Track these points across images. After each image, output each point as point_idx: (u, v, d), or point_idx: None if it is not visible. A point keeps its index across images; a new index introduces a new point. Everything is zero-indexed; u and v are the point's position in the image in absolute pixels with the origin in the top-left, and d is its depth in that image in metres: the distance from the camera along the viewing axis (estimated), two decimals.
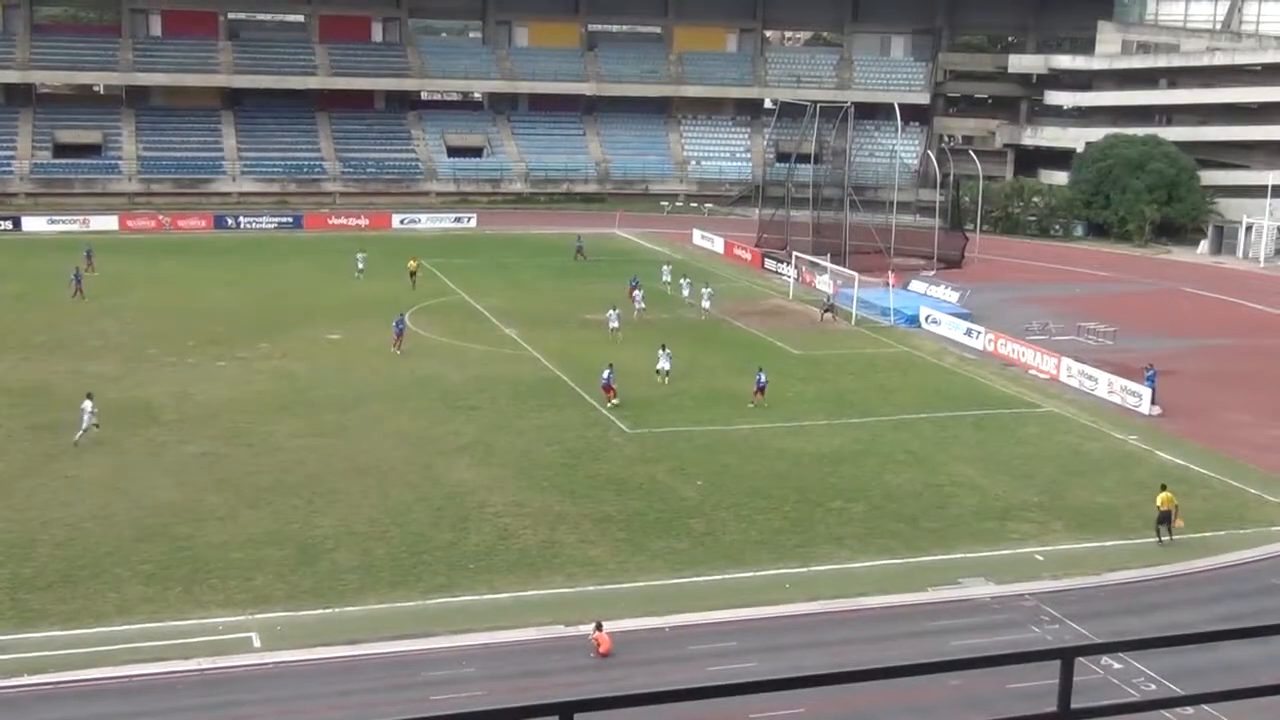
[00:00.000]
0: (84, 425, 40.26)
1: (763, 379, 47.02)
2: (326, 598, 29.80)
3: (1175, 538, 34.31)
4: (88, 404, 40.82)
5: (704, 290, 63.62)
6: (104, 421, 42.90)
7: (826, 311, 64.04)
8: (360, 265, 70.59)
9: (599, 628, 27.47)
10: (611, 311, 56.90)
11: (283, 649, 27.36)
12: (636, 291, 62.77)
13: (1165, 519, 34.17)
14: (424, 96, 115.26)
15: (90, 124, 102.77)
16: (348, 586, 30.43)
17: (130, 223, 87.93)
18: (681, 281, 66.08)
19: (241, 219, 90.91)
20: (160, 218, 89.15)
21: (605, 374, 46.75)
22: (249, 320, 59.47)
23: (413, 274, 67.31)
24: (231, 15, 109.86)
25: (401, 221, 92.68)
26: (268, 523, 34.20)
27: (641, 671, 26.42)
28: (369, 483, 37.56)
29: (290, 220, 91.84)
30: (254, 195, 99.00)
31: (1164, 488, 34.93)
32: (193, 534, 33.22)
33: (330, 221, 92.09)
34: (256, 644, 27.55)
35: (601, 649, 27.12)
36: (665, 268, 70.10)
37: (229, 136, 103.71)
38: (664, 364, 49.47)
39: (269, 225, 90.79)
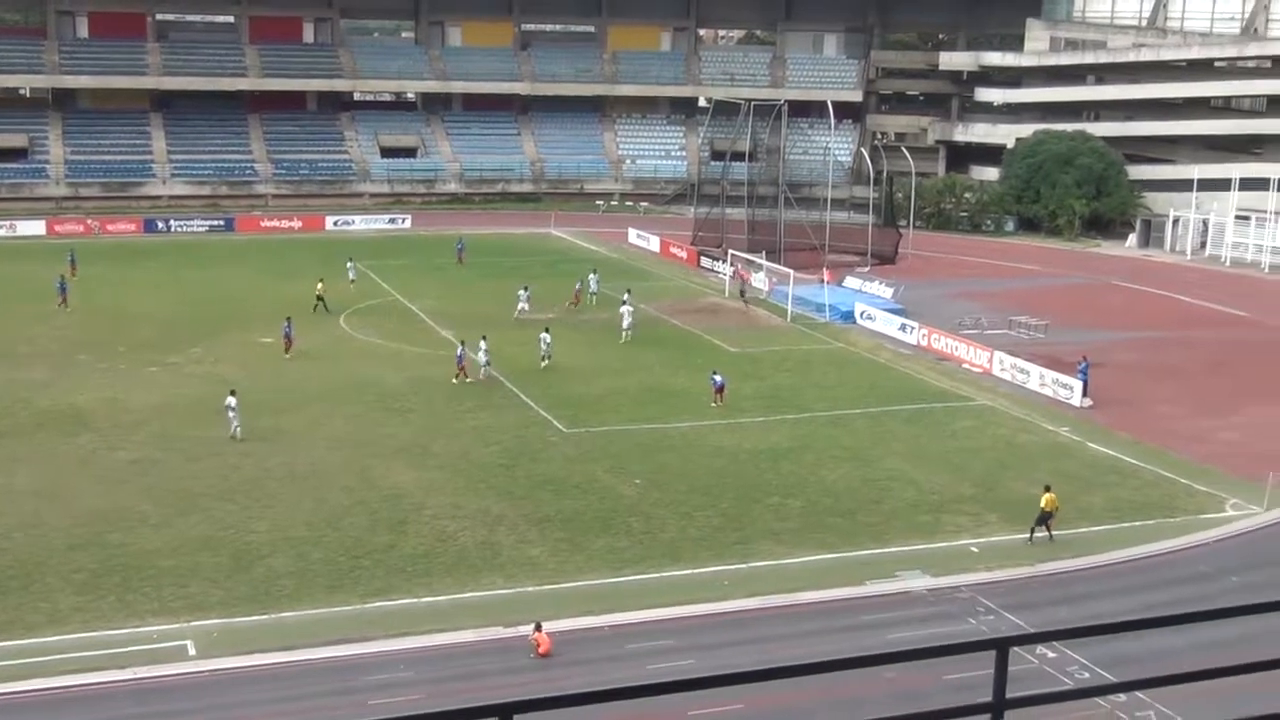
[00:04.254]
0: (235, 421, 41.39)
1: (719, 380, 47.20)
2: (263, 603, 29.53)
3: (1054, 538, 34.38)
4: (231, 400, 41.66)
5: (624, 309, 58.70)
6: (31, 430, 42.39)
7: (741, 295, 66.31)
8: (352, 275, 68.22)
9: (538, 628, 27.44)
10: (482, 347, 50.16)
11: (219, 656, 27.09)
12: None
13: (1045, 519, 34.44)
14: (357, 97, 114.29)
15: (16, 128, 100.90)
16: (284, 592, 30.17)
17: (58, 227, 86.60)
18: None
19: (172, 222, 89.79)
20: (89, 222, 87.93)
21: (458, 351, 50.03)
22: (180, 325, 58.78)
23: (320, 298, 61.34)
24: (160, 16, 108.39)
25: (335, 223, 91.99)
26: (202, 529, 33.83)
27: (581, 671, 26.41)
28: (305, 487, 37.26)
29: (222, 223, 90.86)
30: (184, 198, 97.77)
31: (1048, 489, 35.13)
32: (125, 542, 32.79)
33: (262, 224, 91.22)
34: (191, 652, 27.24)
35: (541, 649, 27.09)
36: (592, 276, 66.73)
37: (158, 139, 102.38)
38: (542, 348, 51.78)
39: (200, 228, 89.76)
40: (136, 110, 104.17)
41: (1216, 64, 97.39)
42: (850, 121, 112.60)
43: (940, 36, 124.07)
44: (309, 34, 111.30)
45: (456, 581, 31.04)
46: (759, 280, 69.65)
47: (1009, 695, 4.93)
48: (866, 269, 75.85)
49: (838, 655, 4.94)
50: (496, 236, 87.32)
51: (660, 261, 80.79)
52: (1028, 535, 34.43)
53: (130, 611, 28.89)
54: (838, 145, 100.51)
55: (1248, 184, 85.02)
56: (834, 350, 57.61)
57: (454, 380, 49.18)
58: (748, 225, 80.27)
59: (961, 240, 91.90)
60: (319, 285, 62.62)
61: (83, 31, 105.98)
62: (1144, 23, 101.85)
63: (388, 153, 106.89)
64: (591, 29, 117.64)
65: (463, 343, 50.87)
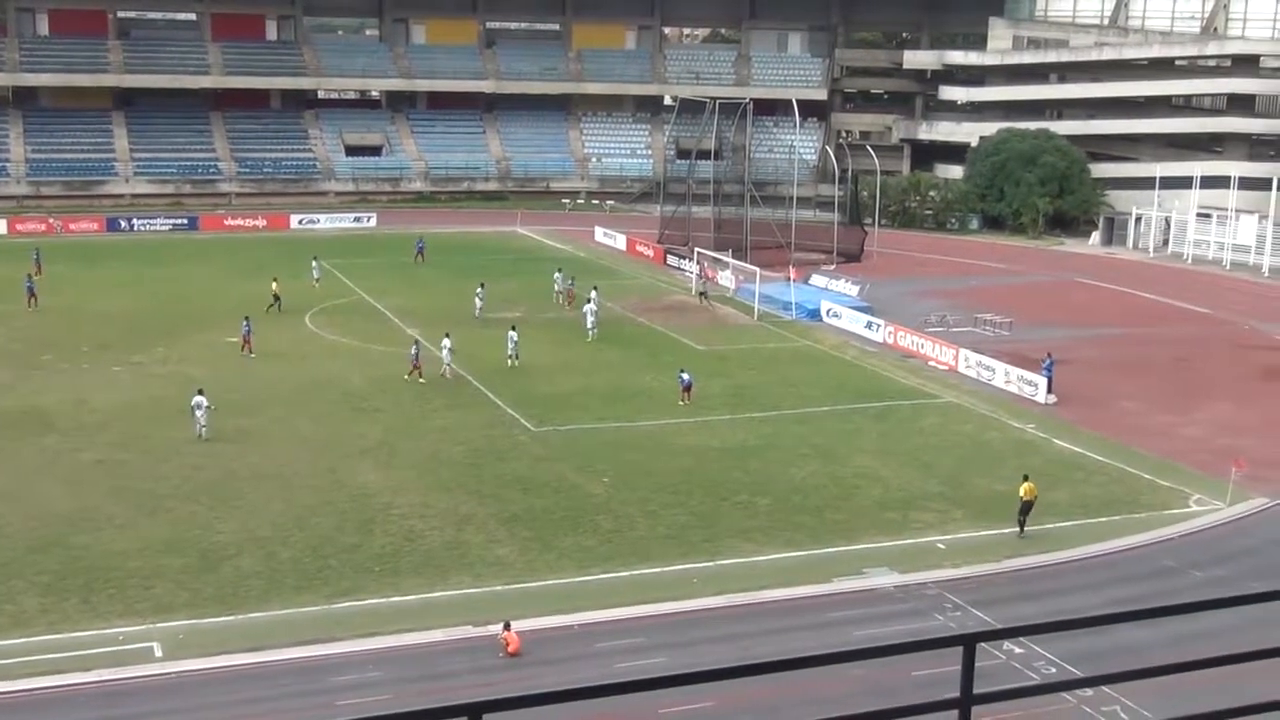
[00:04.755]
0: (201, 421, 41.06)
1: (686, 379, 47.26)
2: (229, 604, 29.37)
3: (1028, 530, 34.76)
4: (200, 399, 41.26)
5: (588, 306, 58.60)
6: None
7: (701, 296, 66.40)
8: (317, 274, 68.01)
9: (507, 627, 27.40)
10: (446, 345, 50.03)
11: (185, 658, 26.91)
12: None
13: (1028, 509, 34.75)
14: (321, 95, 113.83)
15: None
16: (251, 592, 30.02)
17: (19, 226, 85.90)
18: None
19: (135, 221, 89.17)
20: (51, 221, 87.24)
21: (413, 349, 49.69)
22: (144, 324, 58.41)
23: (276, 296, 61.21)
24: (121, 14, 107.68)
25: (300, 222, 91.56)
26: (167, 530, 33.62)
27: (551, 670, 26.39)
28: (271, 487, 37.08)
29: (185, 222, 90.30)
30: (147, 197, 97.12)
31: (1026, 478, 35.50)
32: (90, 543, 32.55)
33: (226, 223, 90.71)
34: (158, 654, 27.05)
35: (510, 648, 27.06)
36: (557, 275, 66.66)
37: (120, 137, 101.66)
38: (509, 347, 51.73)
39: (163, 227, 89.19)
40: (98, 108, 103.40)
41: (1177, 63, 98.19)
42: (815, 120, 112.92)
43: (904, 35, 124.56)
44: (272, 31, 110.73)
45: (425, 581, 30.97)
46: (725, 279, 69.76)
47: (976, 691, 4.97)
48: (832, 267, 76.11)
49: (805, 652, 4.97)
50: (462, 235, 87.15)
51: (627, 260, 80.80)
52: (1018, 529, 34.67)
53: (95, 613, 28.68)
54: (803, 144, 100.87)
55: (1208, 182, 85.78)
56: (800, 348, 57.76)
57: (418, 378, 48.95)
58: (714, 223, 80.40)
59: (926, 238, 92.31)
60: (274, 284, 62.13)
61: (43, 29, 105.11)
62: (1105, 22, 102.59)
63: (352, 151, 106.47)
64: (556, 27, 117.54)
65: (417, 341, 50.76)
